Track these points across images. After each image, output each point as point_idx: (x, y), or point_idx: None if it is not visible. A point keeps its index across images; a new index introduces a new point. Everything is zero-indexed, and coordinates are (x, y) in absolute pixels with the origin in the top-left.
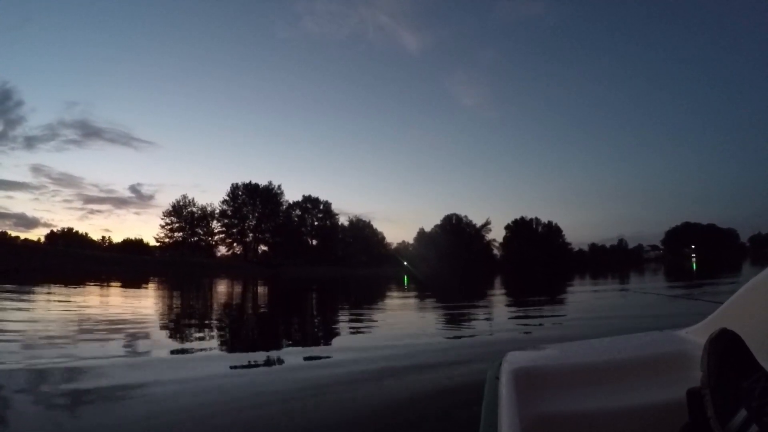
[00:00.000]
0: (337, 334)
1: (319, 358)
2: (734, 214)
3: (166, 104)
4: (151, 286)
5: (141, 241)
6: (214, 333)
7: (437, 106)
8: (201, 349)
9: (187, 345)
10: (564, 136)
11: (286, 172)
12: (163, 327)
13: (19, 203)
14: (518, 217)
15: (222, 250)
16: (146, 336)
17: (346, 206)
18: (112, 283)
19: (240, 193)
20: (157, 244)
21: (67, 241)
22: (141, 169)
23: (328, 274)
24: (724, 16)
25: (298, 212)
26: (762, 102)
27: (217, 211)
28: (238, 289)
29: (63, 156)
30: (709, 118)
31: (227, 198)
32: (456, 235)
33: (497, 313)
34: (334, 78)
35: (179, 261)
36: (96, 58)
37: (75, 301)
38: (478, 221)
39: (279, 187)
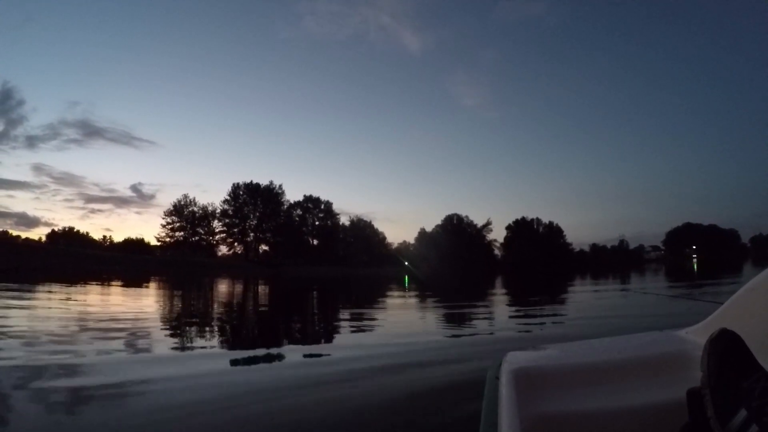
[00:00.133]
0: (338, 332)
1: (320, 355)
2: (735, 214)
3: (168, 104)
4: (152, 285)
5: (142, 240)
6: (215, 331)
7: (438, 106)
8: (201, 347)
9: (187, 343)
10: (565, 136)
11: (287, 172)
12: (164, 325)
13: (20, 202)
14: (519, 217)
15: (223, 249)
16: (146, 334)
17: (347, 206)
18: (113, 283)
19: (241, 192)
20: (158, 244)
21: (68, 240)
22: (142, 169)
23: (328, 274)
24: (724, 16)
25: (299, 212)
26: (763, 102)
27: (218, 210)
28: (238, 288)
29: (64, 155)
30: (710, 118)
31: (228, 197)
32: (457, 235)
33: (498, 312)
34: (336, 78)
35: (180, 260)
36: (97, 58)
37: (74, 300)
38: (479, 221)
39: (280, 186)
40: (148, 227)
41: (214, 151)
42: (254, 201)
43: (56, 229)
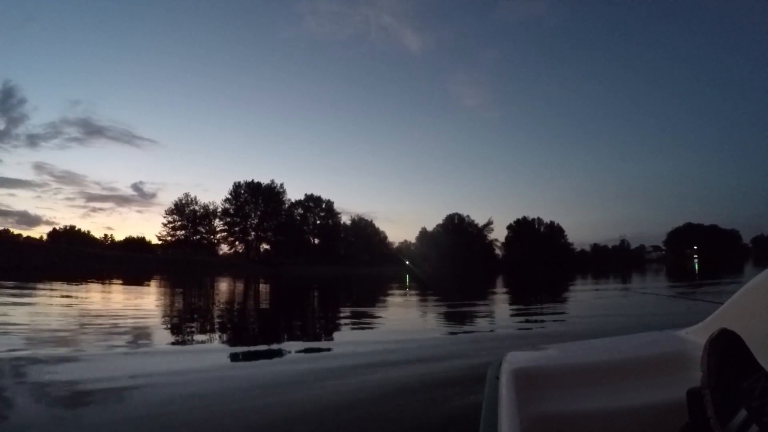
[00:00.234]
0: (339, 330)
1: (320, 350)
2: (736, 215)
3: (169, 103)
4: (153, 284)
5: (143, 239)
6: (215, 329)
7: (439, 106)
8: (201, 344)
9: (188, 340)
10: (566, 136)
11: (289, 171)
12: (165, 323)
13: (22, 201)
14: (520, 217)
15: (224, 248)
16: (147, 331)
17: (348, 205)
18: (114, 281)
19: (242, 191)
20: (160, 243)
21: (69, 239)
22: (143, 168)
23: (329, 273)
24: (724, 16)
25: (300, 211)
26: (763, 102)
27: (220, 209)
28: (239, 287)
29: (65, 154)
30: (711, 118)
31: (229, 196)
32: (458, 234)
33: (499, 311)
34: (336, 78)
35: (181, 259)
36: (99, 57)
37: (75, 298)
38: (480, 221)
39: (281, 185)
40: (150, 226)
41: (215, 150)
42: (255, 200)
43: (57, 227)
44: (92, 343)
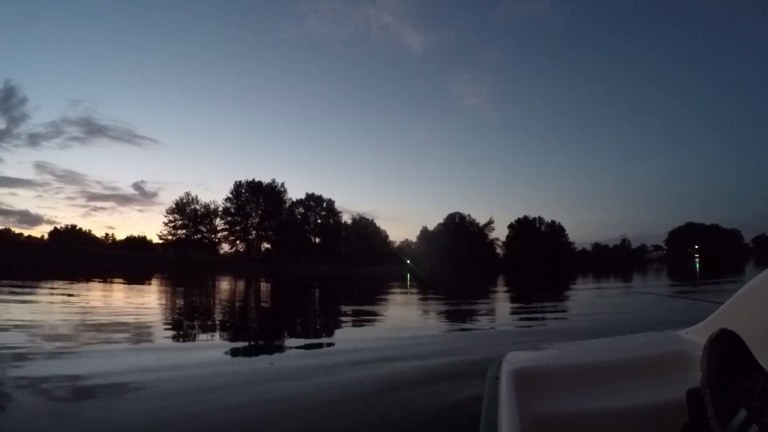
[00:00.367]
0: (339, 328)
1: (319, 347)
2: (738, 214)
3: (170, 102)
4: (154, 283)
5: (144, 238)
6: (216, 326)
7: (440, 106)
8: (201, 341)
9: (188, 337)
10: (567, 135)
11: (290, 170)
12: (166, 321)
13: (23, 200)
14: (521, 216)
15: (225, 247)
16: (147, 329)
17: (349, 204)
18: (115, 280)
19: (243, 190)
20: (161, 242)
21: (70, 238)
22: (144, 167)
23: (330, 272)
24: (726, 17)
25: (301, 210)
26: (765, 102)
27: (221, 208)
28: (240, 286)
29: (66, 153)
30: (713, 118)
31: (230, 195)
32: (459, 233)
33: (500, 309)
34: (337, 77)
35: (182, 258)
36: (99, 56)
37: (76, 297)
38: (481, 220)
39: (282, 184)
40: (151, 225)
41: (216, 149)
42: (256, 199)
43: (59, 226)
44: (92, 340)
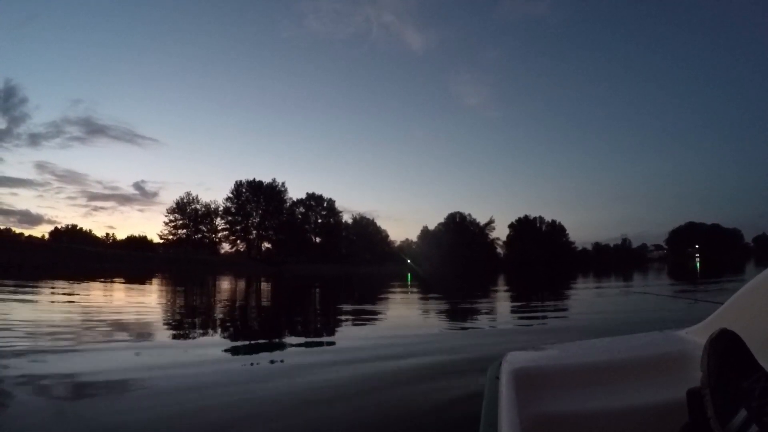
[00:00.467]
0: (340, 326)
1: (318, 345)
2: (738, 214)
3: (170, 102)
4: (155, 282)
5: (145, 238)
6: (216, 325)
7: (441, 105)
8: (202, 338)
9: (188, 335)
10: (568, 135)
11: (290, 170)
12: (166, 320)
13: (24, 200)
14: (522, 215)
15: (225, 247)
16: (147, 328)
17: (350, 204)
18: (116, 280)
19: (244, 190)
20: (161, 241)
21: (71, 237)
22: (145, 167)
23: (331, 272)
24: (727, 17)
25: (301, 210)
26: (766, 101)
27: (221, 208)
28: (241, 285)
29: (67, 153)
30: (714, 118)
31: (231, 195)
32: (459, 233)
33: (500, 309)
34: (338, 76)
35: (183, 258)
36: (100, 56)
37: (76, 296)
38: (482, 220)
39: (283, 184)
40: (151, 225)
41: (216, 149)
42: (257, 199)
43: (59, 226)
44: (91, 339)
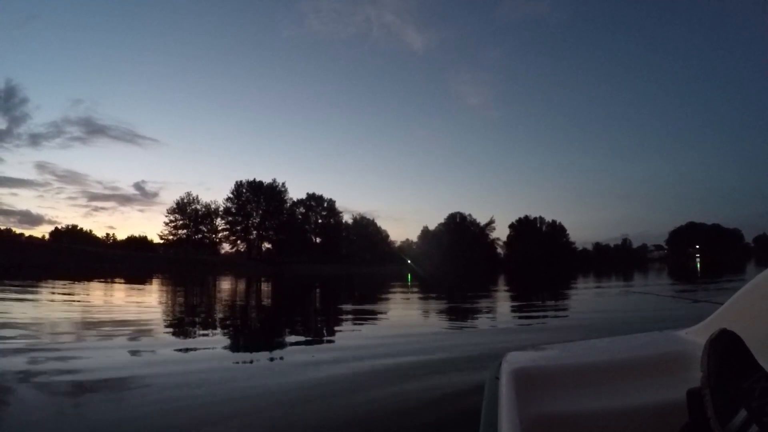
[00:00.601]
0: (340, 326)
1: (318, 344)
2: (739, 214)
3: (171, 102)
4: (155, 282)
5: (145, 238)
6: (216, 325)
7: (442, 105)
8: (201, 337)
9: (187, 334)
10: (569, 135)
11: (290, 170)
12: (166, 319)
13: (24, 200)
14: (522, 215)
15: (226, 247)
16: (147, 327)
17: (350, 204)
18: (116, 280)
19: (244, 190)
20: (161, 242)
21: (71, 238)
22: (145, 167)
23: (331, 272)
24: (728, 16)
25: (302, 210)
26: (767, 102)
27: (221, 208)
28: (241, 286)
29: (67, 153)
30: (715, 118)
31: (231, 195)
32: (460, 233)
33: (500, 309)
34: (339, 76)
35: (183, 258)
36: (100, 56)
37: (75, 296)
38: (482, 220)
39: (283, 184)
40: (151, 225)
41: (217, 149)
42: (257, 199)
43: (59, 226)
44: (91, 339)
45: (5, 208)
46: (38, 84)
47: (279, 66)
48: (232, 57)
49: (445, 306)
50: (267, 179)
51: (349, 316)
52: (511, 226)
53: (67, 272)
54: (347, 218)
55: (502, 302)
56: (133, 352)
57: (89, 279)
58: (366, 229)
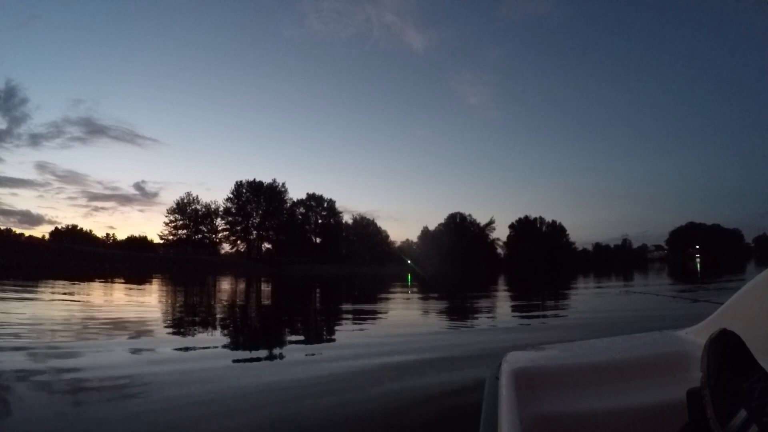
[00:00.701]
0: (340, 325)
1: (318, 343)
2: (739, 214)
3: (171, 102)
4: (155, 282)
5: (145, 238)
6: (215, 324)
7: (442, 105)
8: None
9: (187, 333)
10: (569, 135)
11: (291, 170)
12: (165, 319)
13: (24, 200)
14: (522, 216)
15: (226, 247)
16: (147, 327)
17: (350, 204)
18: (116, 280)
19: (244, 190)
20: (161, 242)
21: (71, 238)
22: (145, 167)
23: (331, 272)
24: (729, 16)
25: (302, 210)
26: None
27: (221, 208)
28: (241, 286)
29: (68, 153)
30: (715, 118)
31: (231, 195)
32: (460, 233)
33: (500, 308)
34: (339, 76)
35: (183, 258)
36: (101, 56)
37: (75, 296)
38: (482, 220)
39: (283, 184)
40: (151, 225)
41: (217, 149)
42: (257, 199)
43: (59, 226)
44: (90, 338)
45: (5, 208)
46: (38, 84)
47: (279, 66)
48: (233, 57)
49: (446, 306)
50: (267, 179)
51: (349, 316)
52: (511, 226)
53: (67, 272)
54: (347, 218)
55: (502, 302)
56: (133, 351)
57: (89, 279)
58: (366, 230)
